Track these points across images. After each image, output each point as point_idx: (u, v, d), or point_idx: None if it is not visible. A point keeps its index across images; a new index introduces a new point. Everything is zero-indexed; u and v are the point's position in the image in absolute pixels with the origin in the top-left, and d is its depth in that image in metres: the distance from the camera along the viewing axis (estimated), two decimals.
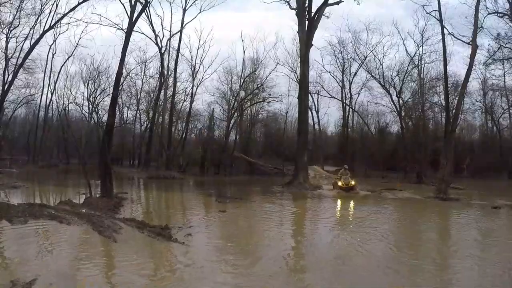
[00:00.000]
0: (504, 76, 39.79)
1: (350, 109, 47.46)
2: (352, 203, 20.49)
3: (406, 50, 42.33)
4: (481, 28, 25.93)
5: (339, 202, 21.40)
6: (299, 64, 35.11)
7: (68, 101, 46.85)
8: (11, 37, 35.94)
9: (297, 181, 28.03)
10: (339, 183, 24.90)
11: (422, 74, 41.76)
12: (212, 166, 42.80)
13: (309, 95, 37.88)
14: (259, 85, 43.67)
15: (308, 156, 31.40)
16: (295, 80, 42.79)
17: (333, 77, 47.65)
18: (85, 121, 48.73)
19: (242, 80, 43.63)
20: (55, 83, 46.05)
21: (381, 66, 43.48)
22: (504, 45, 31.41)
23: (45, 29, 27.90)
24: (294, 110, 43.91)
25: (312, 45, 30.76)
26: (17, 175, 31.09)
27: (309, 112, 39.84)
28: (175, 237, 10.77)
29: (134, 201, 19.42)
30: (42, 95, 46.22)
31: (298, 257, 10.09)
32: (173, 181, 32.41)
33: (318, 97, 48.53)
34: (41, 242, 9.00)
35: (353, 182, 24.89)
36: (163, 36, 40.87)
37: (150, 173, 36.06)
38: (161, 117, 43.32)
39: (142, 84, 47.38)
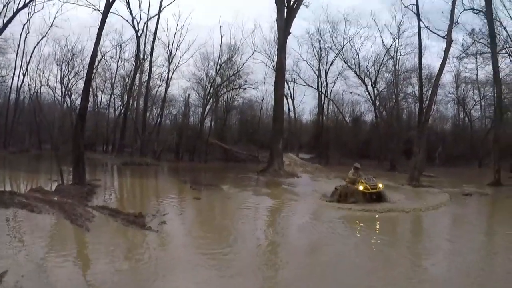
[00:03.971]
0: (477, 70, 40.64)
1: (326, 98, 47.67)
2: (326, 190, 20.51)
3: (383, 42, 43.03)
4: (456, 23, 26.55)
5: (312, 188, 21.47)
6: (276, 52, 35.08)
7: (41, 83, 45.74)
8: None
9: (272, 168, 28.17)
10: (360, 187, 16.00)
11: (397, 66, 42.47)
12: (186, 153, 42.66)
13: (285, 83, 38.00)
14: (236, 72, 43.47)
15: (283, 144, 31.52)
16: (272, 67, 42.86)
17: (309, 65, 47.68)
18: (57, 105, 47.76)
19: (218, 66, 43.29)
20: (27, 65, 44.53)
21: (357, 57, 44.01)
22: (477, 40, 32.20)
23: (19, 7, 27.25)
24: (269, 97, 43.84)
25: (290, 33, 30.79)
26: None
27: (285, 100, 39.92)
28: (149, 225, 10.77)
29: (107, 188, 19.22)
30: (13, 76, 44.68)
31: (271, 245, 10.18)
32: (147, 167, 32.13)
33: (294, 85, 48.63)
34: (12, 231, 8.86)
35: (381, 185, 16.44)
36: (140, 19, 40.10)
37: (124, 159, 35.63)
38: (135, 102, 42.72)
39: (117, 68, 46.44)
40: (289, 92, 47.55)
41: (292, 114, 49.97)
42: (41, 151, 42.86)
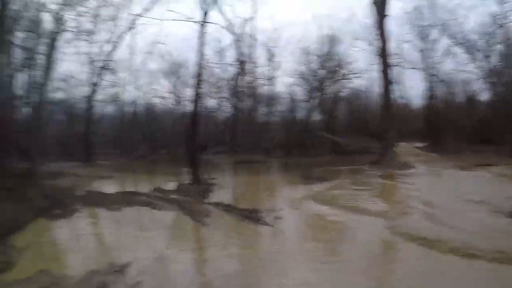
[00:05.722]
0: None
1: (435, 79, 44.99)
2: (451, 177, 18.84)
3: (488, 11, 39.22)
4: None
5: (432, 178, 20.19)
6: (376, 37, 33.86)
7: (153, 96, 48.53)
8: (93, 43, 37.97)
9: (385, 159, 27.09)
10: None
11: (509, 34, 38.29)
12: (296, 148, 42.78)
13: (390, 67, 36.54)
14: (338, 63, 42.81)
15: (394, 133, 30.30)
16: (374, 53, 41.47)
17: (413, 46, 45.28)
18: (170, 113, 50.41)
19: (320, 59, 42.91)
20: (137, 80, 47.54)
21: (463, 31, 40.56)
22: None
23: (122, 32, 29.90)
24: (375, 85, 42.50)
25: (387, 15, 29.67)
26: (109, 167, 32.76)
27: (392, 86, 38.39)
28: (264, 220, 10.74)
29: (222, 186, 19.62)
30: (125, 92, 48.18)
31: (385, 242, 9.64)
32: (259, 165, 32.63)
33: (399, 69, 46.52)
34: (135, 227, 9.35)
35: None
36: (237, 23, 41.03)
37: (236, 158, 36.57)
38: (243, 102, 43.77)
39: (221, 72, 47.99)
40: (395, 77, 45.70)
41: (400, 100, 47.95)
42: (157, 156, 45.49)
